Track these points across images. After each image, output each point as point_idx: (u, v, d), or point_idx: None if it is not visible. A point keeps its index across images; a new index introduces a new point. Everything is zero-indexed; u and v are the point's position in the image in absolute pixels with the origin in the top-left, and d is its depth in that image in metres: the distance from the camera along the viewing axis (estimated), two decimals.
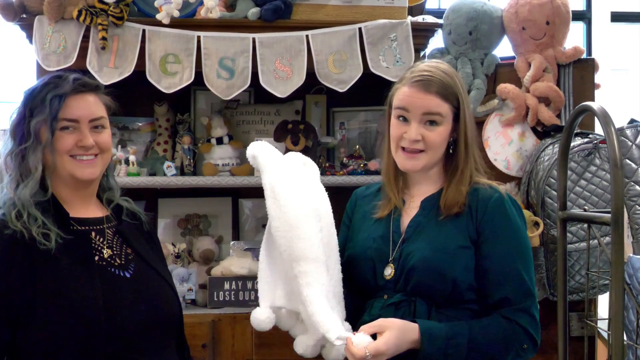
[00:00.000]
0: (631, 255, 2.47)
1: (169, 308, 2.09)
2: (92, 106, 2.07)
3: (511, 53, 3.38)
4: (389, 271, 2.06)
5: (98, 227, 2.09)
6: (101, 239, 2.07)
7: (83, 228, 2.05)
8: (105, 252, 2.05)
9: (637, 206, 2.88)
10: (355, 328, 2.08)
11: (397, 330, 1.93)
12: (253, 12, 3.02)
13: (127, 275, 2.05)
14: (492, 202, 2.04)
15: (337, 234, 2.21)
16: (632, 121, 2.99)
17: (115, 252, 2.07)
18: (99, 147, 2.06)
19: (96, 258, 2.02)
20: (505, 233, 2.03)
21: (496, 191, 2.06)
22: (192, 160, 3.32)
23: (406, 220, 2.13)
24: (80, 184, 2.07)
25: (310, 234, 2.03)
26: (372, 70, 3.06)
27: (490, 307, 2.04)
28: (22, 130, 2.01)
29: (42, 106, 2.00)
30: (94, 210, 2.12)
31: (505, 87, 3.24)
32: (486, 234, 2.03)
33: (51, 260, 1.92)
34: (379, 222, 2.18)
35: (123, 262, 2.06)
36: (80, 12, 2.87)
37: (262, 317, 2.10)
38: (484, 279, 2.03)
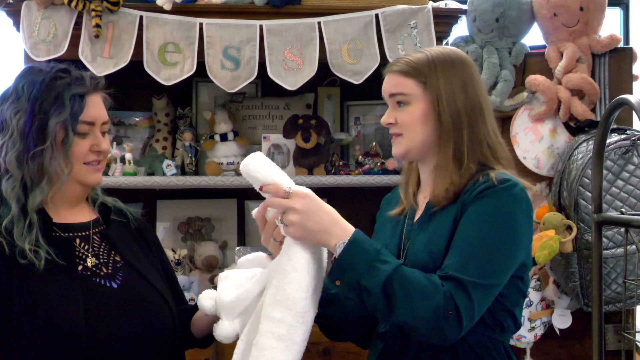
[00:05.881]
0: None
1: (160, 322, 2.08)
2: (103, 108, 2.09)
3: (541, 42, 3.38)
4: None
5: (83, 233, 2.09)
6: (86, 247, 2.06)
7: (67, 235, 2.05)
8: (89, 260, 2.04)
9: None
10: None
11: (329, 209, 1.93)
12: None
13: (114, 285, 2.04)
14: (479, 188, 2.01)
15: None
16: None
17: (101, 260, 2.07)
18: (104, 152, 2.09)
19: (79, 268, 2.01)
20: (479, 217, 1.97)
21: (488, 179, 2.00)
22: (193, 159, 3.33)
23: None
24: (82, 189, 2.08)
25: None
26: (390, 60, 3.04)
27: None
28: (35, 129, 1.97)
29: (59, 105, 1.97)
30: (81, 214, 2.12)
31: (535, 79, 3.24)
32: (464, 216, 2.00)
33: (30, 269, 1.91)
34: (395, 226, 2.20)
35: (110, 271, 2.06)
36: None
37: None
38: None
